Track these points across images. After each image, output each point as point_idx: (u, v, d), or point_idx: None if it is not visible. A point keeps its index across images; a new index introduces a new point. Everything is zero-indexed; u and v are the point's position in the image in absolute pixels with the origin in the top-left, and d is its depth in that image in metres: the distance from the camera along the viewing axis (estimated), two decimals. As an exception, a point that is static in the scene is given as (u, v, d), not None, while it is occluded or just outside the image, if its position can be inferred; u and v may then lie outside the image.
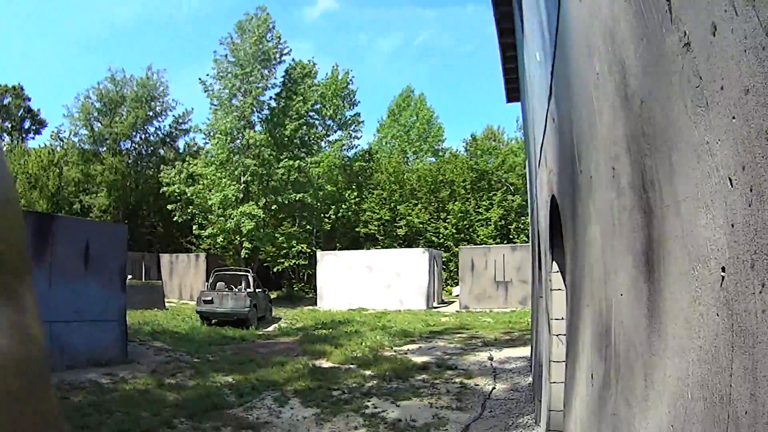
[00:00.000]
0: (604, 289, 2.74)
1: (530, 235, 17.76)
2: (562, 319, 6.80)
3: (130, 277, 35.79)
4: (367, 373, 15.09)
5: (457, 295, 39.56)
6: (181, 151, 54.97)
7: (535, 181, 11.20)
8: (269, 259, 46.79)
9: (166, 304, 33.28)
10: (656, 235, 1.82)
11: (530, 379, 14.11)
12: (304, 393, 12.84)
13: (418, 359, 16.78)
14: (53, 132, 53.75)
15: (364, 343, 19.50)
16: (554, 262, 6.83)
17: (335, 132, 53.47)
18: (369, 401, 12.24)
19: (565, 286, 6.84)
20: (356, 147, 55.01)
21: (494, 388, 13.59)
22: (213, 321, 25.83)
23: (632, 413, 2.09)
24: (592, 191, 2.96)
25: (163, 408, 11.17)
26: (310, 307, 37.41)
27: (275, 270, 48.33)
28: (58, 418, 0.95)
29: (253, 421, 10.74)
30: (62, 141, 53.43)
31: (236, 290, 26.93)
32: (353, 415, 11.20)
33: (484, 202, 51.20)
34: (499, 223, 49.83)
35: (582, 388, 3.47)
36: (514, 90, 19.54)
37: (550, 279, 6.93)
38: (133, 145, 54.56)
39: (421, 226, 51.25)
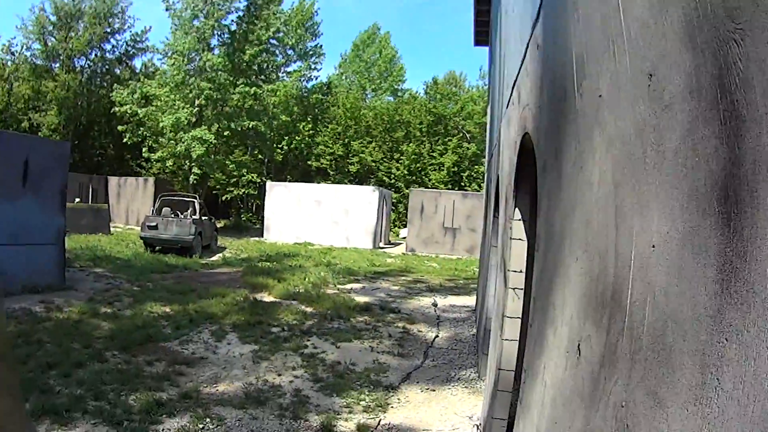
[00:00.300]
0: (609, 240, 2.18)
1: (485, 182, 17.34)
2: (521, 272, 6.31)
3: (77, 200, 34.97)
4: (309, 310, 14.61)
5: (404, 237, 39.35)
6: (137, 71, 53.03)
7: (498, 124, 10.67)
8: (218, 186, 45.93)
9: (112, 229, 32.41)
10: (749, 154, 1.24)
11: (474, 330, 13.79)
12: (243, 328, 12.31)
13: (361, 299, 16.33)
14: (4, 45, 50.22)
15: (307, 279, 19.02)
16: (516, 209, 6.30)
17: (295, 62, 52.14)
18: (309, 340, 11.78)
19: (532, 235, 6.34)
20: (315, 79, 53.99)
21: (437, 336, 13.22)
22: (157, 248, 24.95)
23: (664, 415, 1.53)
24: (599, 115, 2.38)
25: (96, 339, 10.53)
26: (257, 239, 36.71)
27: (224, 198, 47.64)
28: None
29: (188, 356, 10.19)
30: (13, 55, 50.62)
31: (182, 217, 26.00)
32: (292, 355, 10.72)
33: (438, 147, 50.82)
34: (452, 169, 49.57)
35: (558, 358, 2.94)
36: (483, 33, 18.87)
37: (510, 227, 6.39)
38: (88, 62, 52.42)
39: (373, 164, 50.82)
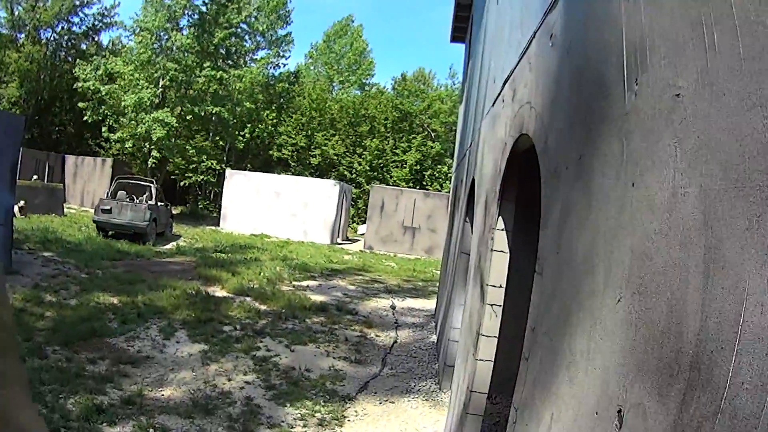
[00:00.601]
0: (691, 289, 1.67)
1: (453, 184, 16.84)
2: (501, 287, 5.77)
3: (35, 177, 33.81)
4: (263, 308, 13.96)
5: (363, 234, 38.84)
6: (104, 48, 51.39)
7: (475, 124, 10.14)
8: (177, 172, 44.92)
9: (66, 210, 31.26)
10: None
11: (434, 337, 13.30)
12: (193, 325, 11.65)
13: (317, 298, 15.74)
14: (-33, 10, 48.70)
15: (262, 273, 18.37)
16: (500, 218, 5.76)
17: (263, 49, 51.20)
18: (261, 341, 11.16)
19: (515, 248, 5.82)
20: (283, 67, 53.10)
21: (396, 341, 12.71)
22: (110, 232, 24.01)
23: None
24: (674, 119, 1.84)
25: (38, 332, 9.78)
26: (213, 228, 35.76)
27: (182, 184, 46.62)
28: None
29: (133, 354, 9.52)
30: (-23, 21, 48.93)
31: (137, 202, 25.06)
32: (243, 357, 10.11)
33: (402, 144, 50.37)
34: (415, 168, 49.16)
35: (581, 416, 2.40)
36: (461, 29, 18.37)
37: (492, 237, 5.85)
38: (54, 35, 50.75)
39: (335, 158, 50.25)
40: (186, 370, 9.18)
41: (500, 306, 5.78)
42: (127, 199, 24.97)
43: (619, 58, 2.39)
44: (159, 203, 26.12)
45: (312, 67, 62.46)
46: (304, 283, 18.37)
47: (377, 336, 12.93)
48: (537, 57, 4.35)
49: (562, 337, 2.80)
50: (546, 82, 3.92)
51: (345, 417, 8.15)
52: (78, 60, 43.21)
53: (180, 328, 11.36)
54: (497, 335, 5.80)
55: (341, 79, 60.60)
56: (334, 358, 10.76)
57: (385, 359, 11.24)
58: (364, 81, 61.09)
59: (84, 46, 51.40)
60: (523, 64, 4.98)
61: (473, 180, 9.14)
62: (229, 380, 8.96)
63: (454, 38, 19.61)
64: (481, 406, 5.86)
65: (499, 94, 6.49)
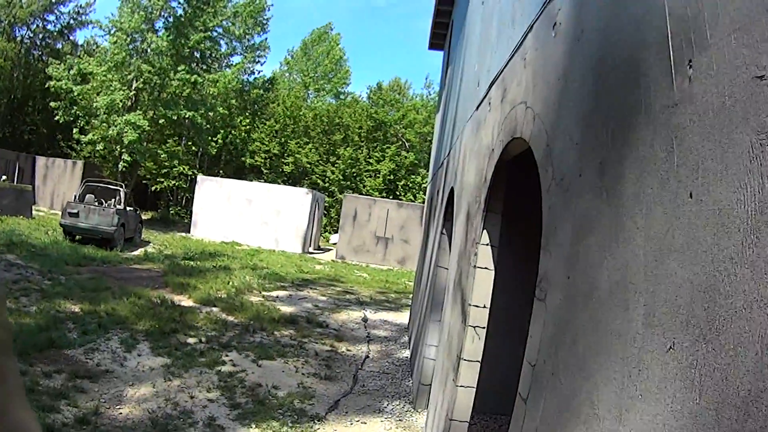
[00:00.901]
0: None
1: (428, 194, 16.41)
2: (485, 307, 5.29)
3: (3, 178, 32.98)
4: (230, 319, 13.39)
5: (335, 244, 38.33)
6: (79, 48, 50.31)
7: (455, 131, 9.70)
8: (149, 176, 44.02)
9: (35, 212, 30.39)
10: None
11: (407, 352, 12.83)
12: (156, 336, 11.04)
13: (287, 309, 15.19)
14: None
15: (231, 283, 17.76)
16: (485, 231, 5.29)
17: (239, 54, 50.52)
18: (227, 355, 10.61)
19: (501, 265, 5.36)
20: (258, 73, 52.47)
21: (367, 356, 12.21)
22: (77, 237, 23.27)
23: None
24: (760, 110, 1.33)
25: (-7, 342, 9.14)
26: (183, 234, 34.84)
27: (154, 189, 45.72)
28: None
29: (92, 368, 8.91)
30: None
31: (105, 206, 24.29)
32: (207, 372, 9.55)
33: (376, 153, 49.80)
34: (389, 177, 48.60)
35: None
36: (440, 36, 17.95)
37: (475, 252, 5.37)
38: (29, 33, 49.70)
39: (308, 166, 49.59)
40: (146, 385, 8.61)
41: (483, 328, 5.31)
42: (96, 203, 24.23)
43: (661, 37, 1.90)
44: (128, 208, 25.45)
45: (287, 74, 61.84)
46: (274, 294, 17.80)
47: (348, 350, 12.42)
48: (534, 51, 3.87)
49: (577, 383, 2.31)
50: (547, 77, 3.45)
51: (314, 441, 7.66)
52: (51, 59, 42.27)
53: (142, 340, 10.77)
54: (480, 359, 5.33)
55: (316, 87, 60.02)
56: (303, 374, 10.24)
57: (357, 376, 10.74)
58: (339, 89, 60.58)
59: (59, 46, 50.44)
60: (515, 60, 4.50)
61: (452, 190, 8.68)
62: (192, 398, 8.40)
63: (432, 45, 19.19)
64: (461, 436, 5.38)
65: (485, 97, 6.02)
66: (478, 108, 6.55)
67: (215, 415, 7.87)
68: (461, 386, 5.27)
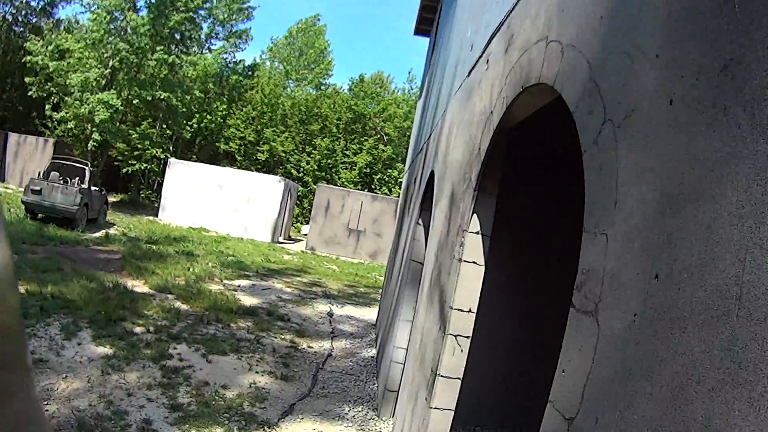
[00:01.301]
0: None
1: (404, 185, 15.61)
2: (471, 312, 4.39)
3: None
4: (184, 307, 12.43)
5: (306, 234, 37.39)
6: (60, 25, 49.10)
7: (437, 112, 8.82)
8: (120, 158, 42.93)
9: (2, 189, 29.50)
10: None
11: (374, 351, 11.95)
12: (101, 324, 10.06)
13: (248, 300, 14.25)
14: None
15: (192, 269, 16.77)
16: (475, 217, 4.38)
17: (220, 40, 49.39)
18: (175, 348, 9.69)
19: (494, 260, 4.46)
20: (238, 60, 51.30)
21: (330, 354, 11.31)
22: (39, 215, 22.25)
23: None
24: None
25: None
26: (151, 218, 33.68)
27: (125, 171, 44.51)
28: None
29: (25, 357, 7.91)
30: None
31: (69, 184, 23.12)
32: (151, 367, 8.62)
33: (353, 146, 48.93)
34: (365, 170, 47.73)
35: None
36: (427, 21, 17.08)
37: (461, 243, 4.46)
38: (11, 10, 48.36)
39: (284, 155, 48.59)
40: (81, 379, 7.68)
41: (468, 338, 4.41)
42: (60, 181, 23.09)
43: None
44: (93, 188, 24.30)
45: (269, 62, 60.63)
46: (236, 283, 16.82)
47: (310, 347, 11.52)
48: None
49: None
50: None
51: (262, 452, 6.74)
52: (32, 36, 41.12)
53: (85, 327, 9.80)
54: (461, 376, 4.43)
55: (298, 76, 58.81)
56: (257, 372, 9.32)
57: (317, 376, 9.84)
58: (321, 80, 59.46)
59: (41, 23, 49.07)
60: None
61: (432, 174, 7.78)
62: (129, 395, 7.47)
63: (419, 30, 18.38)
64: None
65: (480, 56, 5.11)
66: (470, 73, 5.65)
67: (151, 417, 6.93)
68: (436, 408, 4.37)
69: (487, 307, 4.97)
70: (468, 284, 4.36)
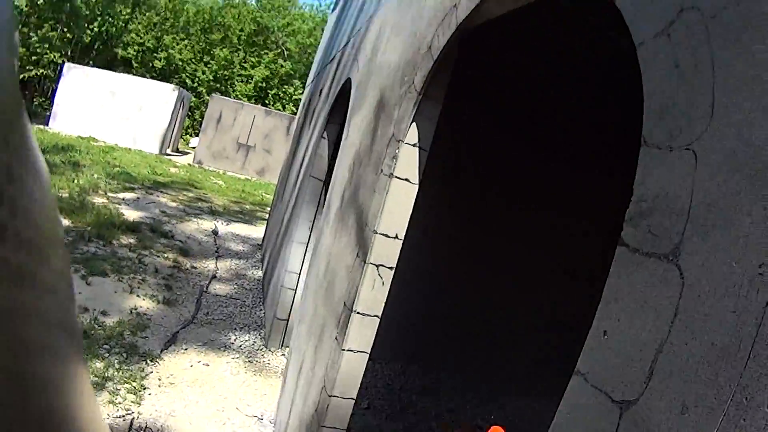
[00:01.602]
0: None
1: (303, 100, 14.75)
2: (397, 238, 3.65)
3: None
4: (66, 222, 11.25)
5: (194, 147, 35.88)
6: None
7: (360, 16, 7.96)
8: (18, 63, 40.24)
9: None
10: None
11: (260, 273, 11.20)
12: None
13: (132, 215, 13.16)
14: None
15: (76, 181, 15.43)
16: (414, 125, 3.60)
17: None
18: (53, 270, 8.59)
19: (441, 179, 3.68)
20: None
21: (215, 276, 10.49)
22: None
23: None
24: None
25: None
26: (40, 127, 31.37)
27: (22, 78, 41.70)
28: None
29: None
30: None
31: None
32: (22, 292, 7.55)
33: (252, 58, 47.36)
34: (261, 84, 46.41)
35: None
36: None
37: (395, 155, 3.67)
38: None
39: (181, 63, 46.59)
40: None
41: (392, 269, 3.64)
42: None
43: None
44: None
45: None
46: (121, 195, 15.60)
47: (194, 267, 10.67)
48: None
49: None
50: None
51: (145, 388, 5.93)
52: None
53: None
54: (380, 314, 3.68)
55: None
56: (138, 296, 8.42)
57: (201, 300, 9.01)
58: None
59: None
60: None
61: (347, 82, 6.91)
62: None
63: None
64: (344, 417, 3.75)
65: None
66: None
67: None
68: (349, 350, 3.62)
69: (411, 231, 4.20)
70: (397, 205, 3.60)
